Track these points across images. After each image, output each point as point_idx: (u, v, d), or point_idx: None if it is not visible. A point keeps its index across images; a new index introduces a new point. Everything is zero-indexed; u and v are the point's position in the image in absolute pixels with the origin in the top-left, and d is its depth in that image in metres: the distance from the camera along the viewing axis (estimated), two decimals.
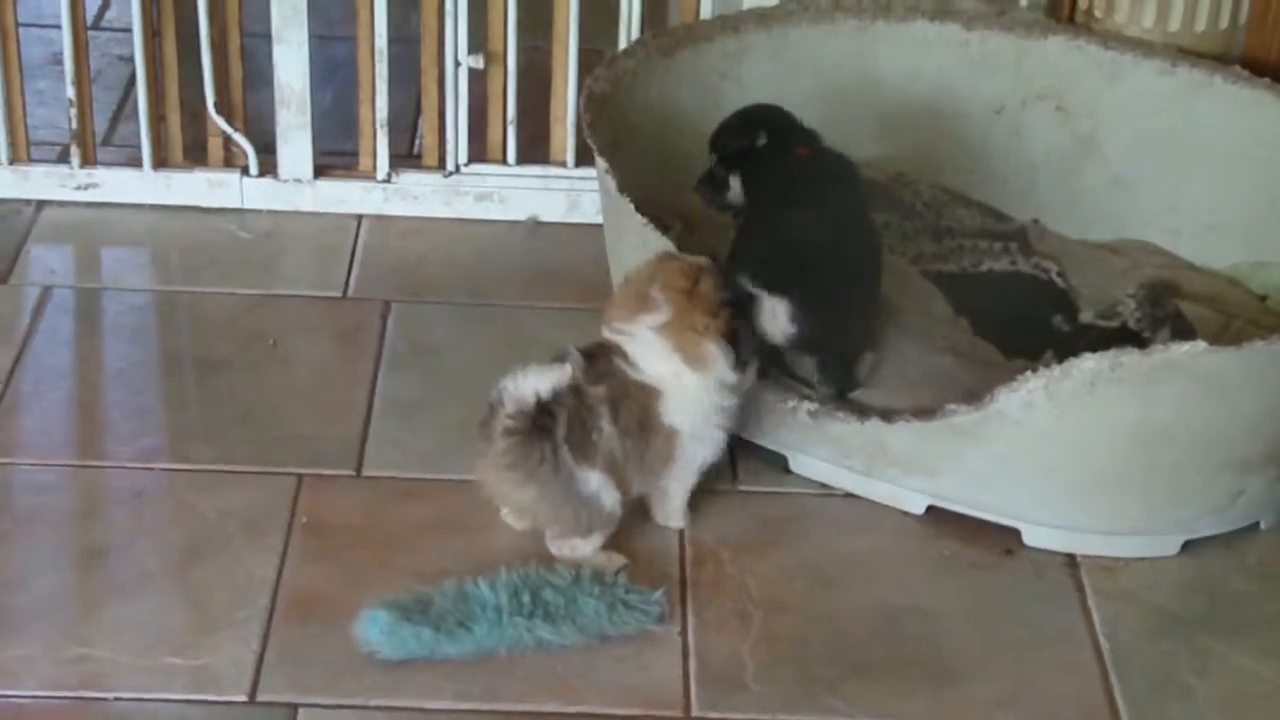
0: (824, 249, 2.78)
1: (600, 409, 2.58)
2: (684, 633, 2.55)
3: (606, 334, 2.63)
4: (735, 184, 2.90)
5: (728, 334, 2.61)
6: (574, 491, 2.58)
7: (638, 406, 2.61)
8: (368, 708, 2.41)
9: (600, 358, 2.60)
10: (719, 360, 2.62)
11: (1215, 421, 2.59)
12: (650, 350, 2.61)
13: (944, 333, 2.90)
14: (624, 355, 2.61)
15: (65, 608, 2.53)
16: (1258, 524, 2.75)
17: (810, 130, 2.91)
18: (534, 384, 2.53)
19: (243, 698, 2.41)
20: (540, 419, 2.53)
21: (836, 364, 2.81)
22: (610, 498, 2.61)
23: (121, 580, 2.58)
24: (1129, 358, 2.53)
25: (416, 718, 2.41)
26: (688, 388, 2.62)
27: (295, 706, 2.41)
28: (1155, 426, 2.57)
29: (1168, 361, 2.52)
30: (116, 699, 2.40)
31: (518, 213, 3.41)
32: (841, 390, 2.80)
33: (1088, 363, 2.53)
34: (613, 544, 2.65)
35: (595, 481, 2.59)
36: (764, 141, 2.89)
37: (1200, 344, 2.52)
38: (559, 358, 2.58)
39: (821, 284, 2.76)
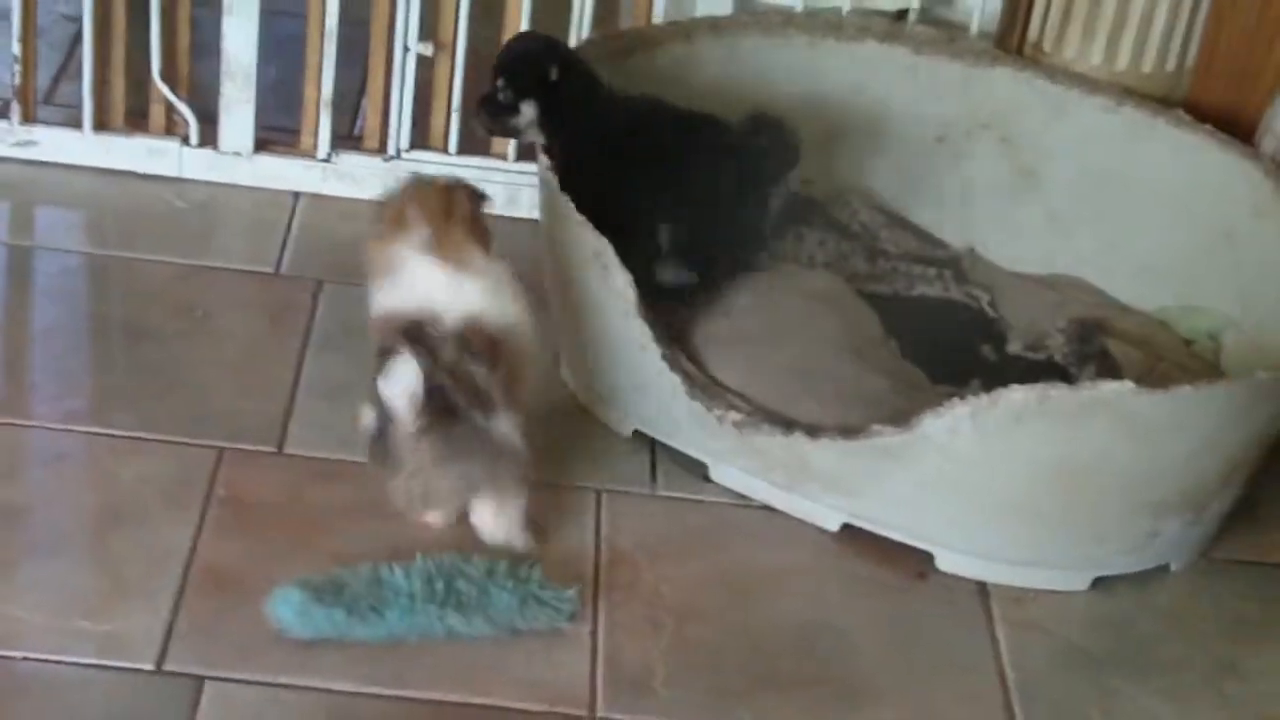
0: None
1: (463, 364, 2.57)
2: (594, 633, 2.56)
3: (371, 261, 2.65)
4: (529, 111, 2.94)
5: (483, 238, 2.65)
6: (495, 445, 2.58)
7: (478, 339, 2.58)
8: (275, 685, 2.41)
9: (418, 333, 2.57)
10: (479, 263, 2.63)
11: (1137, 462, 2.61)
12: (419, 270, 2.61)
13: (876, 354, 2.91)
14: (431, 321, 2.58)
15: None
16: (1168, 566, 2.78)
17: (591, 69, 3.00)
18: (406, 381, 2.52)
19: (150, 666, 2.40)
20: (436, 403, 2.54)
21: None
22: (518, 435, 2.60)
23: (37, 541, 2.57)
24: (1057, 392, 2.55)
25: (323, 699, 2.40)
26: (479, 289, 2.62)
27: (202, 679, 2.40)
28: (1077, 462, 2.60)
29: (1095, 399, 2.54)
30: (25, 659, 2.39)
31: None
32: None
33: (1016, 394, 2.55)
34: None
35: (504, 423, 2.59)
36: (556, 76, 2.94)
37: (1128, 384, 2.54)
38: (387, 353, 2.54)
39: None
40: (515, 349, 2.64)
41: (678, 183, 2.99)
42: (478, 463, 2.59)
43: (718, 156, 3.02)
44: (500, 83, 2.97)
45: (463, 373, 2.57)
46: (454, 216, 2.65)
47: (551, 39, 3.10)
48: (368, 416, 2.59)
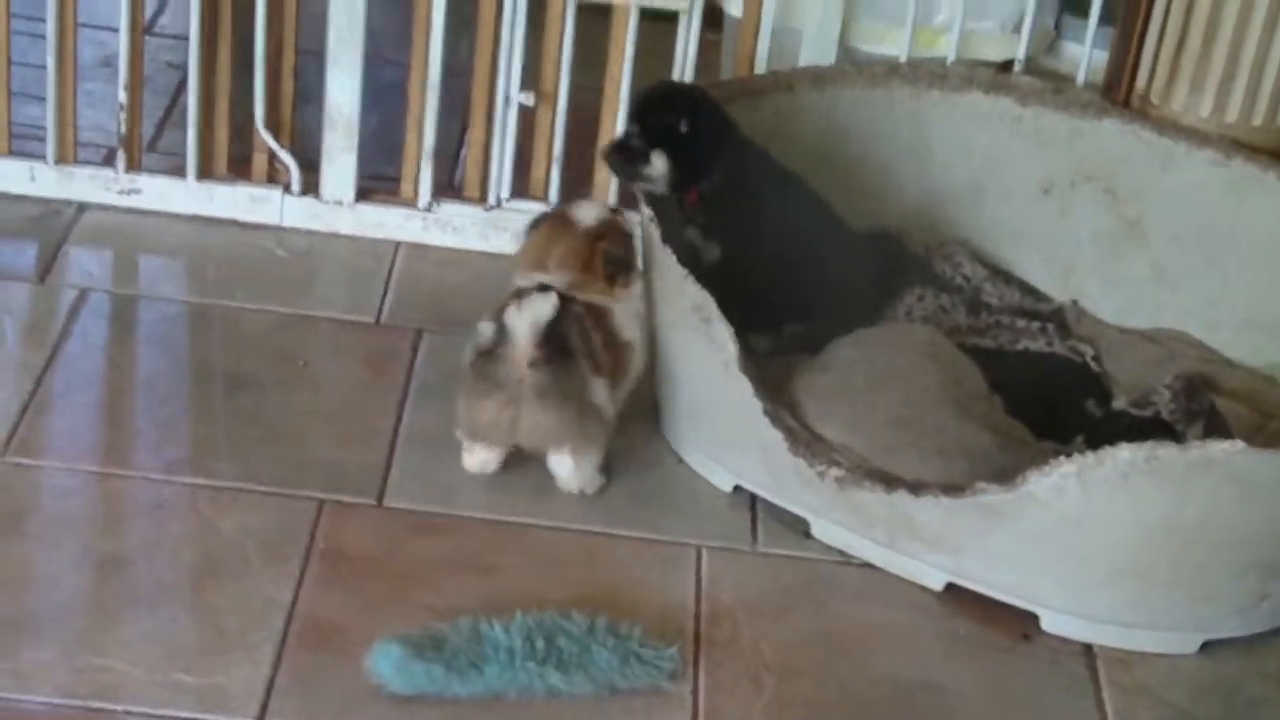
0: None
1: (586, 322, 2.74)
2: (695, 691, 2.53)
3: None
4: (659, 162, 2.95)
5: (622, 284, 2.84)
6: (589, 403, 2.74)
7: (600, 323, 2.78)
8: None
9: (552, 288, 2.74)
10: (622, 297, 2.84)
11: (1246, 522, 2.57)
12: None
13: (981, 408, 2.88)
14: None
15: (82, 616, 2.53)
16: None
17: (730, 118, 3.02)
18: (540, 312, 2.66)
19: None
20: (558, 343, 2.68)
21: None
22: (610, 408, 2.79)
23: (138, 592, 2.58)
24: (1165, 451, 2.51)
25: None
26: (624, 306, 2.83)
27: None
28: (1185, 522, 2.56)
29: (1204, 458, 2.50)
30: (126, 712, 2.39)
31: None
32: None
33: (1123, 452, 2.52)
34: (627, 597, 2.65)
35: (601, 391, 2.75)
36: (686, 128, 2.95)
37: (1238, 443, 2.50)
38: (524, 292, 2.71)
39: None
40: (622, 359, 2.82)
41: (802, 286, 3.03)
42: (571, 410, 2.72)
43: (847, 270, 3.08)
44: (634, 129, 2.97)
45: (584, 328, 2.72)
46: (593, 269, 2.81)
47: (691, 88, 3.12)
48: (486, 329, 2.71)
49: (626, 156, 2.98)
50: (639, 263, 2.89)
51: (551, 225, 2.88)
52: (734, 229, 2.99)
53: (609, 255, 2.82)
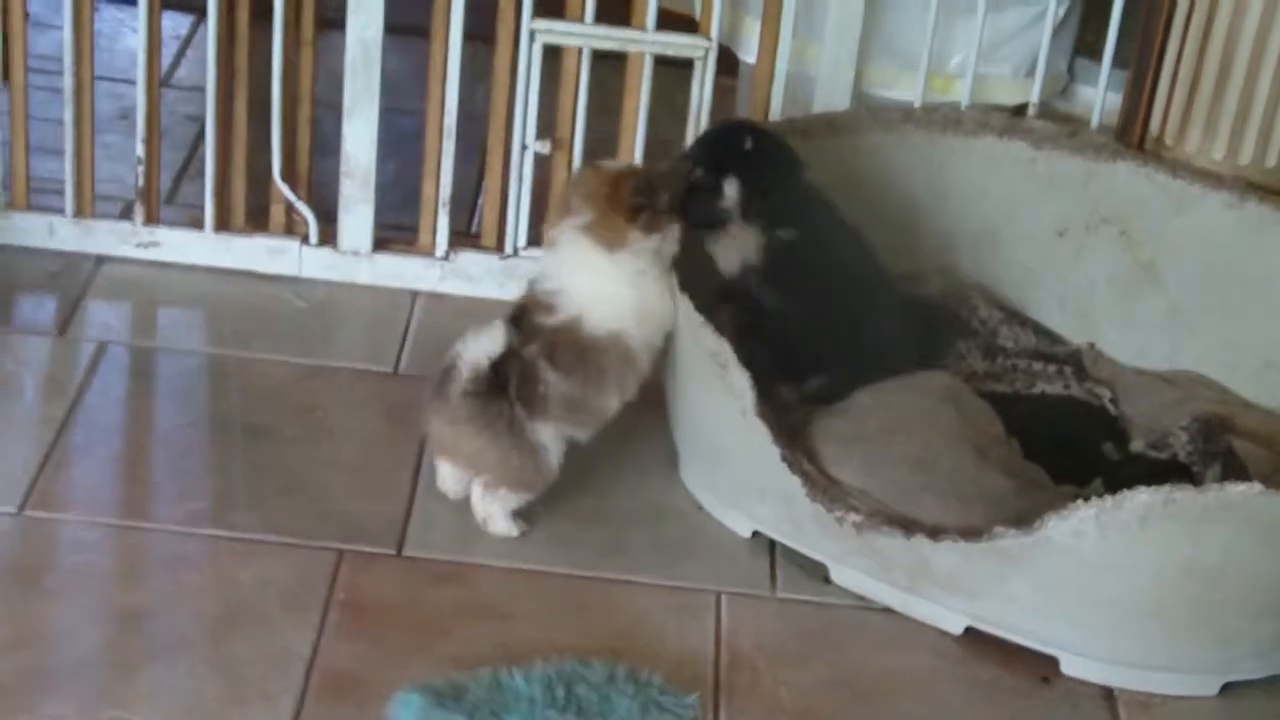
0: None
1: (539, 363, 2.76)
2: None
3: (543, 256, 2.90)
4: (731, 189, 2.95)
5: (644, 225, 2.80)
6: (524, 441, 2.76)
7: (568, 344, 2.78)
8: None
9: (524, 319, 2.80)
10: (637, 245, 2.80)
11: (1265, 564, 2.57)
12: (571, 254, 2.81)
13: (998, 452, 2.88)
14: (544, 308, 2.80)
15: (101, 668, 2.53)
16: None
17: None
18: (484, 348, 2.74)
19: None
20: (495, 378, 2.73)
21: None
22: (558, 452, 2.81)
23: (158, 644, 2.58)
24: (1183, 494, 2.51)
25: None
26: (605, 296, 2.80)
27: None
28: (1204, 565, 2.56)
29: (1222, 501, 2.50)
30: None
31: None
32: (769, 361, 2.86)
33: (1141, 496, 2.52)
34: (647, 645, 2.65)
35: (546, 433, 2.79)
36: (750, 145, 2.98)
37: (1256, 485, 2.50)
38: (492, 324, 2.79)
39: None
40: (618, 360, 2.82)
41: (840, 340, 3.02)
42: (496, 447, 2.75)
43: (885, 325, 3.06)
44: (697, 171, 2.98)
45: (532, 372, 2.75)
46: (618, 200, 2.79)
47: (743, 119, 3.20)
48: (453, 350, 2.77)
49: (699, 199, 2.97)
50: (667, 209, 2.83)
51: (582, 172, 2.96)
52: (795, 271, 2.99)
53: (636, 184, 2.80)
